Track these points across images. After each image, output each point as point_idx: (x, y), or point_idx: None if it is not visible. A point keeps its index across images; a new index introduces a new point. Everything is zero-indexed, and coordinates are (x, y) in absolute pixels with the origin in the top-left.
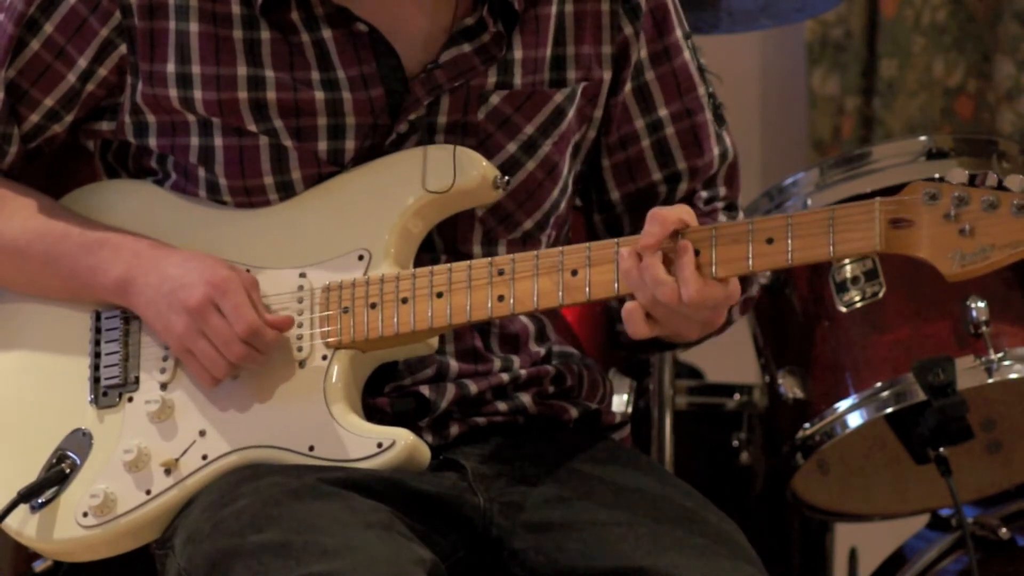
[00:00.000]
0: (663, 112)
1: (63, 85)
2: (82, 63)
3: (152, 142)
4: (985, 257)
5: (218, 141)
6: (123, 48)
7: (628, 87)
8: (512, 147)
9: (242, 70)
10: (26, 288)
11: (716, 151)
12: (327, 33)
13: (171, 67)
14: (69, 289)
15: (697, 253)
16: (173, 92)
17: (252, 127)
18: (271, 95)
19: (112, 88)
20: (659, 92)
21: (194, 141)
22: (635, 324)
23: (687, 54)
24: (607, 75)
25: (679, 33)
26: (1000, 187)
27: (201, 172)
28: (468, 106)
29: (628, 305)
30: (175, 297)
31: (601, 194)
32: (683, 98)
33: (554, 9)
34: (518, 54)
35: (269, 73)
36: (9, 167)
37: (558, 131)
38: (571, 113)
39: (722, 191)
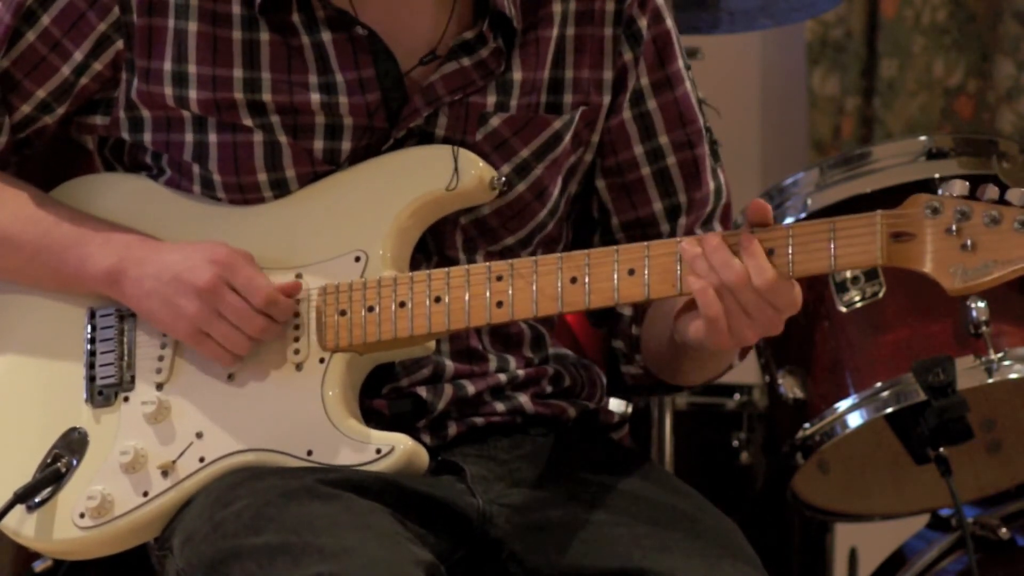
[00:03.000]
0: (664, 140)
1: (57, 78)
2: (77, 57)
3: (147, 138)
4: (987, 272)
5: (212, 137)
6: (120, 44)
7: (627, 114)
8: (506, 168)
9: (238, 72)
10: (16, 278)
11: (712, 186)
12: (327, 36)
13: (167, 65)
14: (59, 280)
15: None
16: (168, 90)
17: (247, 122)
18: (267, 97)
19: (106, 82)
20: (661, 120)
21: (189, 137)
22: (710, 302)
23: (688, 85)
24: (606, 100)
25: (681, 63)
26: (1001, 201)
27: (195, 168)
28: (468, 125)
29: (699, 283)
30: (181, 281)
31: (604, 217)
32: (685, 128)
33: (555, 32)
34: (518, 75)
35: (266, 75)
36: None
37: (552, 156)
38: (567, 138)
39: (718, 229)
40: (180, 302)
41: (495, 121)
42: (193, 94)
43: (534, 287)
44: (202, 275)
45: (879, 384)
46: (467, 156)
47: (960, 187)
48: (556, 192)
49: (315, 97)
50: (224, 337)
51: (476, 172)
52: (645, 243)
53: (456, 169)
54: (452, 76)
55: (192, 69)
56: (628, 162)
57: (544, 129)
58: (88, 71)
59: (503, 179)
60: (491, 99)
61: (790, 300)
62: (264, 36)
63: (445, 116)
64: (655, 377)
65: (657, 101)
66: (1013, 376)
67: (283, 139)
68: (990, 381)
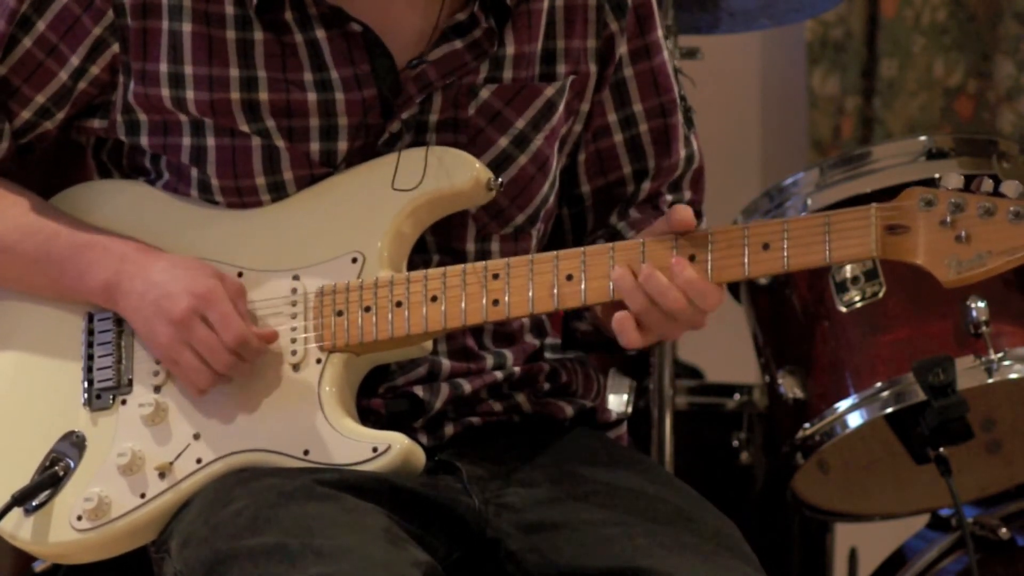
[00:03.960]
0: (638, 108)
1: (55, 83)
2: (74, 61)
3: (144, 141)
4: (982, 264)
5: (210, 141)
6: (115, 47)
7: (608, 82)
8: (503, 142)
9: (234, 71)
10: (14, 285)
11: (683, 153)
12: (320, 33)
13: (163, 67)
14: (57, 289)
15: (692, 258)
16: (165, 92)
17: (244, 127)
18: (263, 96)
19: (104, 86)
20: (635, 89)
21: (186, 141)
22: (629, 334)
23: (665, 54)
24: (593, 69)
25: (660, 33)
26: (996, 193)
27: (193, 172)
28: (459, 101)
29: (620, 315)
30: (159, 307)
31: (572, 187)
32: (660, 97)
33: (545, 4)
34: (510, 49)
35: (262, 74)
36: None
37: (549, 125)
38: (561, 107)
39: (687, 195)
40: (155, 326)
41: (485, 93)
42: (191, 94)
43: (530, 285)
44: (177, 306)
45: (879, 384)
46: (463, 158)
47: (955, 180)
48: (554, 163)
49: (311, 96)
50: (190, 368)
51: (472, 174)
52: (640, 240)
53: (424, 168)
54: (444, 60)
55: (188, 70)
56: (602, 128)
57: (536, 97)
58: (86, 75)
59: (500, 180)
60: (483, 75)
61: (717, 302)
62: (258, 35)
63: (439, 99)
64: (604, 334)
65: (634, 69)
66: (1013, 376)
67: (280, 143)
68: (990, 381)
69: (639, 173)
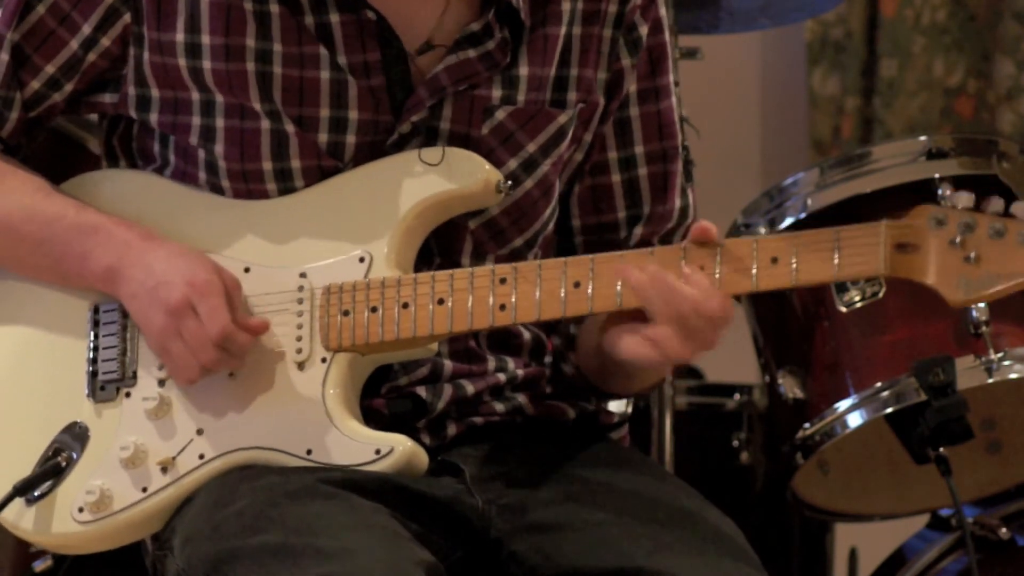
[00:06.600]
0: (639, 149)
1: (65, 52)
2: (86, 30)
3: (154, 118)
4: (991, 285)
5: (220, 122)
6: (127, 17)
7: (612, 118)
8: (513, 164)
9: (250, 42)
10: (17, 267)
11: (678, 203)
12: (335, 17)
13: (180, 36)
14: (59, 272)
15: (701, 269)
16: (182, 62)
17: (256, 105)
18: (277, 70)
19: (115, 59)
20: (639, 130)
21: (195, 120)
22: (669, 344)
23: (673, 100)
24: (601, 100)
25: (670, 78)
26: (1006, 213)
27: (201, 153)
28: (472, 118)
29: (659, 330)
30: (156, 295)
31: (564, 218)
32: (662, 142)
33: (563, 31)
34: (524, 70)
35: (277, 47)
36: (9, 135)
37: (557, 152)
38: (570, 134)
39: None
40: (151, 314)
41: (501, 114)
42: (207, 64)
43: (537, 291)
44: (172, 294)
45: (879, 384)
46: (473, 159)
47: (965, 199)
48: (557, 190)
49: (324, 75)
50: (179, 358)
51: (482, 175)
52: (649, 249)
53: (443, 154)
54: (456, 67)
55: (206, 39)
56: (601, 165)
57: (549, 123)
58: (96, 47)
59: (509, 182)
60: (496, 92)
61: (728, 318)
62: (274, 8)
63: (450, 108)
64: (587, 380)
65: (640, 110)
66: (1013, 376)
67: (290, 128)
68: (990, 381)
69: (632, 219)
